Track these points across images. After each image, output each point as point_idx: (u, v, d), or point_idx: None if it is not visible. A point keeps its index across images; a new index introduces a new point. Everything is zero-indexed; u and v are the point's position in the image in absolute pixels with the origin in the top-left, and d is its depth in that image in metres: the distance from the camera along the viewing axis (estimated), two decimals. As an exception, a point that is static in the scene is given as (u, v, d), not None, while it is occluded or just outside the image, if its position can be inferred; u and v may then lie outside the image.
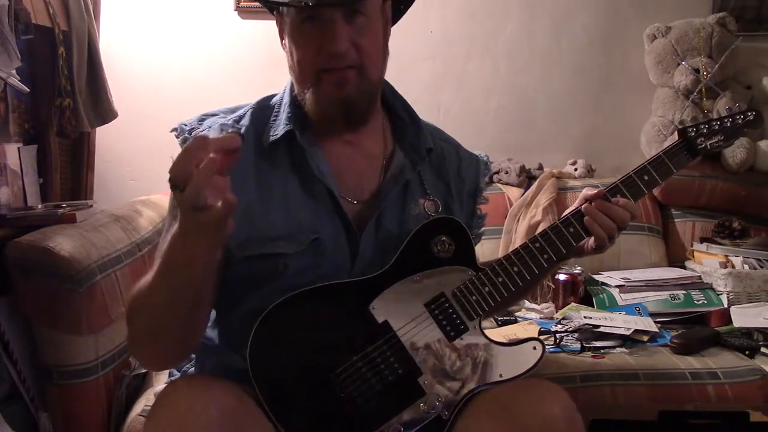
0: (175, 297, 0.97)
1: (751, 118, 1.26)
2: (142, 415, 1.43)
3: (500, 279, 1.14)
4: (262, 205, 1.11)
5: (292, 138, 1.14)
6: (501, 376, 1.10)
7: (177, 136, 1.16)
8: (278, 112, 1.17)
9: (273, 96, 1.22)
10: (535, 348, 1.13)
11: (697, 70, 2.32)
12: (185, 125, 1.17)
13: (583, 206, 1.18)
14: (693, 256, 2.19)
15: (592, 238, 1.18)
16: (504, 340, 1.15)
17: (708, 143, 1.24)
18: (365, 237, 1.14)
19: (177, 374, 1.29)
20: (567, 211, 1.20)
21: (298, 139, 1.13)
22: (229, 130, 1.14)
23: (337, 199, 1.13)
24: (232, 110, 1.21)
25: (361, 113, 1.15)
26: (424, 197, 1.21)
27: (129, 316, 1.05)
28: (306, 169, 1.13)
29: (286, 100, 1.18)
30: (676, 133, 1.25)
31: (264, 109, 1.19)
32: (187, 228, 0.89)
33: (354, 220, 1.14)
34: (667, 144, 1.25)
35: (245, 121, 1.17)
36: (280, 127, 1.15)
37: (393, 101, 1.25)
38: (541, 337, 1.72)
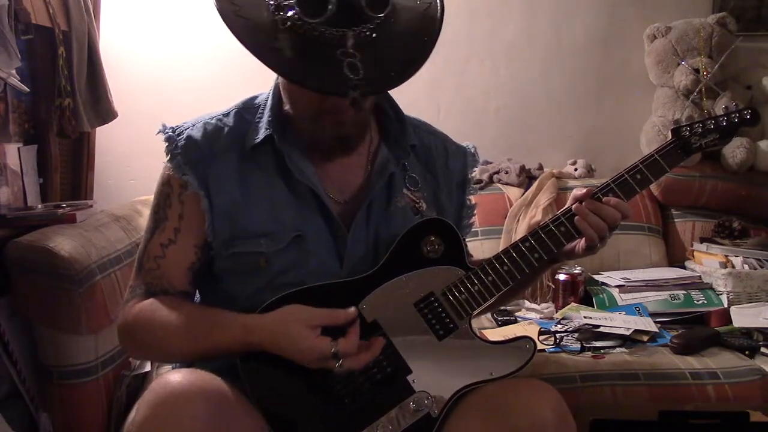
0: (197, 358, 1.09)
1: (747, 117, 1.24)
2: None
3: (490, 278, 1.14)
4: (245, 205, 1.12)
5: (274, 141, 1.14)
6: (491, 374, 1.10)
7: (163, 137, 1.15)
8: (261, 114, 1.17)
9: (258, 96, 1.21)
10: (527, 347, 1.13)
11: (697, 70, 2.31)
12: (167, 125, 1.17)
13: (573, 206, 1.17)
14: (693, 256, 2.19)
15: (583, 239, 1.17)
16: (500, 340, 1.16)
17: (703, 142, 1.23)
18: (354, 233, 1.15)
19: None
20: (558, 212, 1.19)
21: (277, 145, 1.13)
22: (212, 127, 1.15)
23: (321, 198, 1.14)
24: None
25: (355, 142, 1.15)
26: (409, 189, 1.21)
27: (140, 336, 1.12)
28: (290, 171, 1.13)
29: (270, 103, 1.17)
30: (670, 131, 1.24)
31: (249, 109, 1.19)
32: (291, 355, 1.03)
33: (340, 218, 1.15)
34: (664, 144, 1.25)
35: (229, 120, 1.17)
36: (261, 131, 1.14)
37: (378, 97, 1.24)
38: (541, 337, 1.72)
